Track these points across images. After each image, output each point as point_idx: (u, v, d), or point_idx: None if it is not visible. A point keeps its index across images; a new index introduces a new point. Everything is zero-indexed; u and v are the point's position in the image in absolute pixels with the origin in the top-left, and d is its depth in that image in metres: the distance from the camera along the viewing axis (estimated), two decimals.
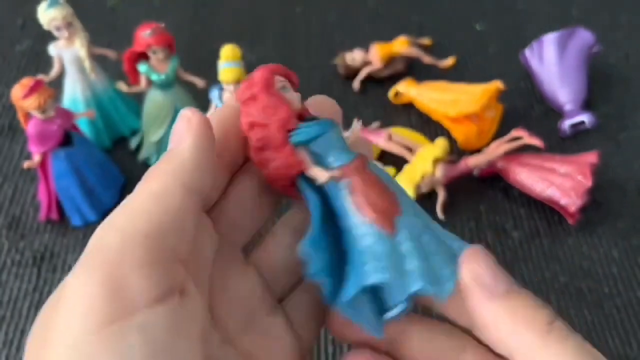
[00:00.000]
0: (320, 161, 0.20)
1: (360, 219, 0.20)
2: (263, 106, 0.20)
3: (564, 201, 0.45)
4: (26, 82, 0.40)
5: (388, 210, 0.20)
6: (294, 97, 0.21)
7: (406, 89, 0.53)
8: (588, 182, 0.44)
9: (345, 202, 0.20)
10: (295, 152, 0.20)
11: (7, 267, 0.44)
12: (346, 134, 0.21)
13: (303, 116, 0.21)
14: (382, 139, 0.49)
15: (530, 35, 0.62)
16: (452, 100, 0.50)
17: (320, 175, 0.20)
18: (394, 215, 0.20)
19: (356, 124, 0.22)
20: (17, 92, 0.40)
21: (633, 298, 0.43)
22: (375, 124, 0.53)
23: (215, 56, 0.58)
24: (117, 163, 0.50)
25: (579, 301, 0.43)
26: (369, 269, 0.19)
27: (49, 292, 0.43)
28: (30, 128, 0.42)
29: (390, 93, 0.55)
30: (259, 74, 0.21)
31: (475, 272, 0.19)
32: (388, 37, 0.62)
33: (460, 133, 0.51)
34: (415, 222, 0.20)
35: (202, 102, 0.55)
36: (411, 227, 0.19)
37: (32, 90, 0.40)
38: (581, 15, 0.64)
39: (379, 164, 0.49)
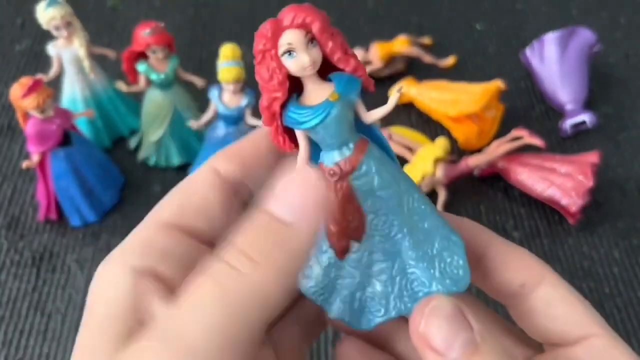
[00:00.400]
0: (315, 148, 0.19)
1: (323, 231, 0.19)
2: (260, 72, 0.18)
3: (564, 201, 0.45)
4: (25, 81, 0.40)
5: (343, 234, 0.19)
6: (302, 61, 0.18)
7: (406, 89, 0.53)
8: (589, 182, 0.44)
9: None
10: (284, 131, 0.19)
11: (6, 267, 0.44)
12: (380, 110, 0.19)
13: (329, 71, 0.19)
14: None
15: (529, 35, 0.62)
16: (453, 99, 0.50)
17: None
18: (350, 239, 0.19)
19: (395, 95, 0.19)
20: (16, 91, 0.40)
21: (634, 298, 0.43)
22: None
23: (214, 56, 0.58)
24: (116, 163, 0.50)
25: None
26: (333, 301, 0.20)
27: (48, 293, 0.43)
28: (29, 128, 0.42)
29: (390, 92, 0.55)
30: (263, 29, 0.19)
31: (425, 333, 0.17)
32: (388, 37, 0.62)
33: (461, 133, 0.51)
34: (377, 248, 0.19)
35: (201, 102, 0.55)
36: (368, 252, 0.19)
37: (31, 89, 0.39)
38: (580, 15, 0.65)
39: None
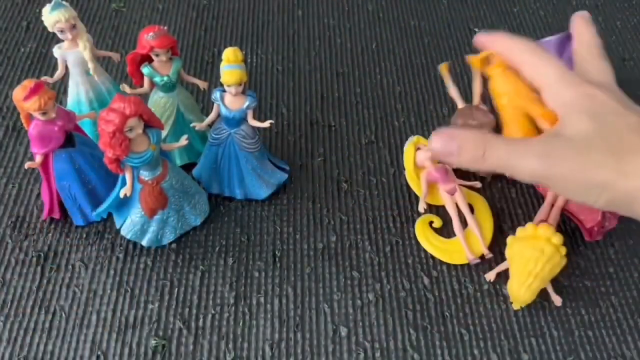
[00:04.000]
0: (138, 171, 0.41)
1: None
2: (110, 139, 0.37)
3: (582, 216, 0.45)
4: (27, 83, 0.40)
5: (154, 209, 0.43)
6: (134, 134, 0.38)
7: (493, 68, 0.40)
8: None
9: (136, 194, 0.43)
10: (121, 164, 0.40)
11: (11, 266, 0.45)
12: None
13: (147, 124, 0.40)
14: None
15: None
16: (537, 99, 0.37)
17: (124, 191, 0.41)
18: (157, 210, 0.44)
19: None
20: (18, 93, 0.40)
21: (629, 297, 0.44)
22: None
23: (217, 58, 0.59)
24: None
25: (576, 300, 0.44)
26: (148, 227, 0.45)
27: (52, 291, 0.43)
28: (31, 129, 0.42)
29: (480, 55, 0.41)
30: (117, 118, 0.36)
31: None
32: (387, 40, 0.63)
33: (518, 131, 0.40)
34: (174, 209, 0.45)
35: (204, 104, 0.56)
36: (166, 213, 0.44)
37: (33, 92, 0.40)
38: None
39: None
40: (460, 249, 0.45)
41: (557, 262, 0.41)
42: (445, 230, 0.47)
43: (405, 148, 0.50)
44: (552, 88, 0.29)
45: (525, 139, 0.28)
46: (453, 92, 0.50)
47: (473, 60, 0.43)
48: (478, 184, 0.49)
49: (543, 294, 0.43)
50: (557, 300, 0.43)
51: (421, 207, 0.48)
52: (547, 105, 0.32)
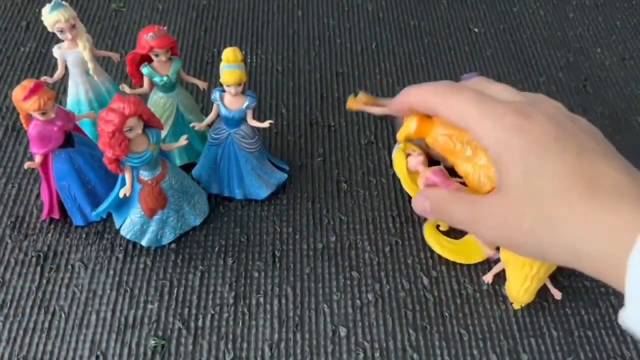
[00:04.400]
0: (137, 171, 0.42)
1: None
2: (109, 139, 0.37)
3: None
4: (27, 84, 0.40)
5: (153, 209, 0.43)
6: (134, 134, 0.38)
7: (415, 125, 0.31)
8: None
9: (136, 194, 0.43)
10: (120, 164, 0.40)
11: (10, 266, 0.45)
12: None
13: (146, 123, 0.39)
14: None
15: (526, 38, 0.63)
16: (485, 165, 0.29)
17: (124, 191, 0.41)
18: (157, 210, 0.44)
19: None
20: (18, 94, 0.40)
21: None
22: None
23: (217, 58, 0.59)
24: None
25: (575, 300, 0.44)
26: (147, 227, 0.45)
27: (52, 291, 0.43)
28: (31, 129, 0.42)
29: (400, 137, 0.34)
30: (117, 118, 0.36)
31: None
32: (387, 40, 0.63)
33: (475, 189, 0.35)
34: (173, 209, 0.44)
35: (204, 104, 0.56)
36: (165, 213, 0.44)
37: (32, 92, 0.40)
38: (577, 18, 0.65)
39: None
40: (474, 248, 0.45)
41: None
42: (451, 232, 0.47)
43: (393, 156, 0.50)
44: (477, 126, 0.25)
45: (485, 199, 0.25)
46: (377, 111, 0.48)
47: (351, 103, 0.39)
48: None
49: (543, 293, 0.43)
50: (556, 294, 0.43)
51: None
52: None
